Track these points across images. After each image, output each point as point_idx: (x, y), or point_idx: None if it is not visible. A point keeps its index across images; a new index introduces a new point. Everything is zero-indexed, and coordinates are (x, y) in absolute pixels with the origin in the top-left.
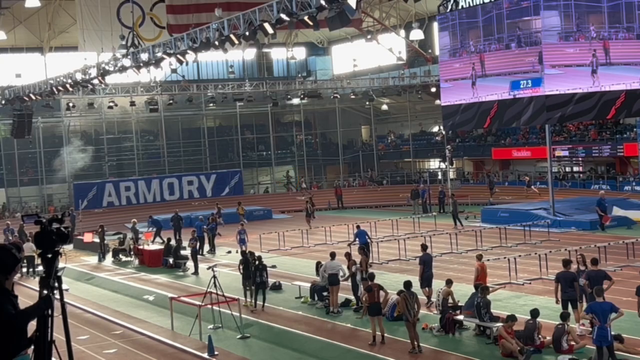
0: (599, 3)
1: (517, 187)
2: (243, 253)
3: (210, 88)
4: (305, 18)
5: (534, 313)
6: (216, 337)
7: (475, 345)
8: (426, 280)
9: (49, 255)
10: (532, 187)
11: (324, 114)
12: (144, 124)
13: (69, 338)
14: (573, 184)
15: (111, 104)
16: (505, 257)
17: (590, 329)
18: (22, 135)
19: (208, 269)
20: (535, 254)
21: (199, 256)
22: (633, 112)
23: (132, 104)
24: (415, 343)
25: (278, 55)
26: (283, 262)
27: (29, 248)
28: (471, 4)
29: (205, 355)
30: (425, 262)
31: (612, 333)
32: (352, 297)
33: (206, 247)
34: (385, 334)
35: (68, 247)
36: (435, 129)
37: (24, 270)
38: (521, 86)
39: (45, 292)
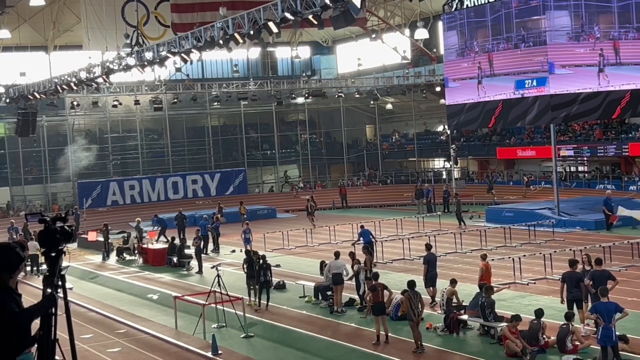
0: (609, 3)
1: (521, 187)
2: (247, 252)
3: (215, 87)
4: (310, 17)
5: (539, 313)
6: (220, 336)
7: (479, 345)
8: (430, 279)
9: (53, 254)
10: (531, 187)
11: (329, 113)
12: (148, 123)
13: (73, 337)
14: (578, 184)
15: (115, 102)
16: (509, 257)
17: (595, 329)
18: (26, 134)
19: (212, 268)
20: (540, 253)
21: (203, 255)
22: (638, 111)
23: (137, 102)
24: (419, 342)
25: (282, 54)
26: (287, 262)
27: (34, 247)
28: (476, 3)
29: (209, 354)
30: (430, 262)
31: (617, 333)
32: (356, 297)
33: (210, 246)
34: (389, 334)
35: (72, 246)
36: (440, 128)
37: (28, 269)
38: (526, 85)
39: (49, 290)
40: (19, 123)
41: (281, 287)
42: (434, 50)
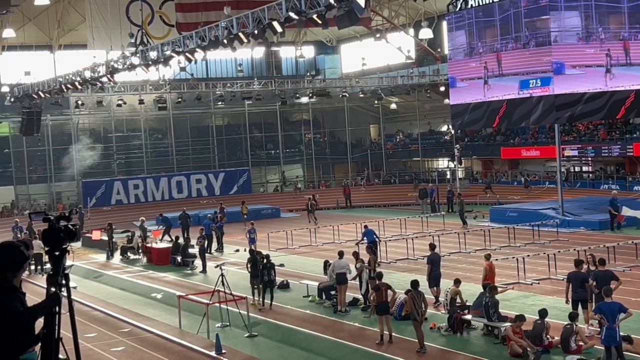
0: (619, 3)
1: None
2: (251, 251)
3: (219, 86)
4: (314, 17)
5: (543, 313)
6: (224, 336)
7: (483, 345)
8: (434, 279)
9: (57, 253)
10: (529, 187)
11: (333, 113)
12: (152, 122)
13: (76, 335)
14: (582, 184)
15: (120, 102)
16: (513, 257)
17: (599, 329)
18: (31, 133)
19: (216, 267)
20: (544, 253)
21: (207, 254)
22: None
23: (141, 102)
24: (422, 343)
25: (287, 53)
26: (291, 261)
27: (38, 245)
28: (482, 3)
29: (213, 353)
30: (433, 262)
31: (621, 333)
32: (360, 296)
33: (214, 246)
34: (393, 333)
35: (76, 245)
36: (444, 128)
37: (32, 267)
38: (530, 85)
39: (53, 289)
40: (24, 122)
41: (285, 286)
42: (439, 50)
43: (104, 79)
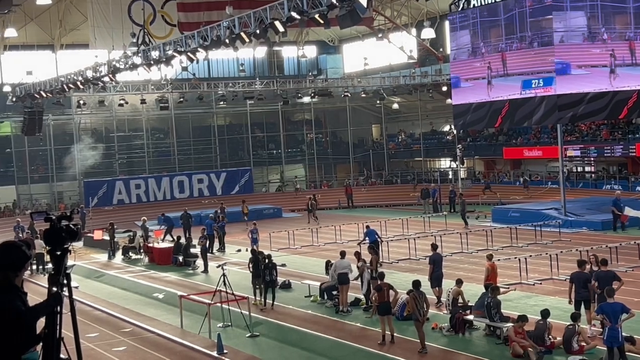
0: (624, 4)
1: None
2: (253, 251)
3: (221, 86)
4: (316, 16)
5: (545, 313)
6: (225, 336)
7: (485, 345)
8: (436, 280)
9: (58, 253)
10: (527, 188)
11: (335, 113)
12: (154, 122)
13: (78, 335)
14: (584, 184)
15: (122, 101)
16: (515, 257)
17: (601, 329)
18: (32, 133)
19: (218, 267)
20: (546, 254)
21: (208, 254)
22: None
23: (143, 101)
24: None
25: (289, 53)
26: (293, 261)
27: (40, 245)
28: (485, 2)
29: (215, 353)
30: (435, 262)
31: (623, 334)
32: (361, 297)
33: (216, 246)
34: (395, 334)
35: (78, 245)
36: (446, 128)
37: (34, 267)
38: (533, 85)
39: (54, 289)
40: (26, 122)
41: (287, 286)
42: (441, 49)
43: (106, 79)
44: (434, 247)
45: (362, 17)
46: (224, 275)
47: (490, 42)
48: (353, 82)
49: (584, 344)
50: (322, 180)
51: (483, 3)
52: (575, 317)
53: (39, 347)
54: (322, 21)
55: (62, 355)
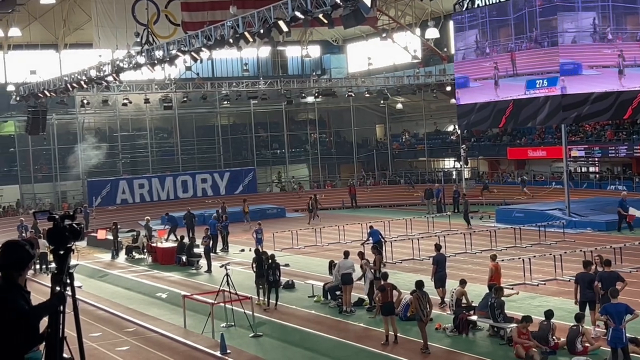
0: (635, 4)
1: (530, 187)
2: (257, 251)
3: (225, 86)
4: (320, 16)
5: (548, 314)
6: (229, 335)
7: (488, 346)
8: (440, 280)
9: (62, 252)
10: (525, 188)
11: (339, 113)
12: (158, 122)
13: (81, 335)
14: (589, 185)
15: (125, 101)
16: (519, 258)
17: (605, 330)
18: (36, 132)
19: (221, 267)
20: (550, 254)
21: (212, 254)
22: None
23: (147, 101)
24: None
25: (293, 53)
26: (296, 261)
27: (44, 245)
28: (490, 2)
29: (218, 353)
30: (439, 262)
31: (627, 335)
32: (365, 297)
33: (219, 245)
34: (398, 334)
35: (81, 244)
36: (450, 128)
37: (37, 267)
38: (537, 86)
39: (58, 288)
40: (29, 121)
41: (290, 286)
42: (445, 49)
43: (110, 78)
44: (438, 247)
45: (366, 17)
46: (227, 275)
47: (499, 41)
48: (357, 82)
49: (588, 344)
50: (325, 180)
51: (489, 2)
52: (579, 318)
53: (42, 347)
54: (326, 21)
55: (65, 355)
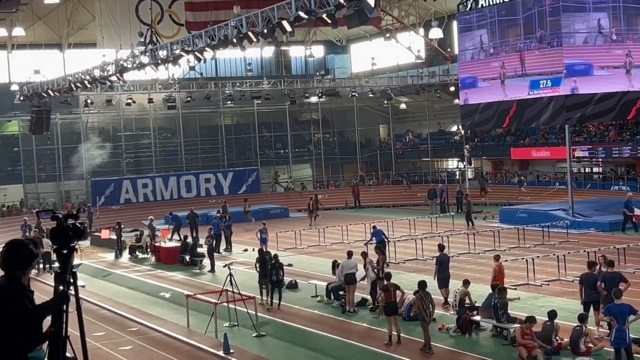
0: None
1: (534, 187)
2: (260, 251)
3: (228, 86)
4: (324, 16)
5: (552, 314)
6: (232, 335)
7: (492, 346)
8: (443, 280)
9: (65, 251)
10: (522, 188)
11: (342, 113)
12: (161, 121)
13: (84, 334)
14: (592, 185)
15: (129, 100)
16: (523, 258)
17: (608, 331)
18: (40, 132)
19: (224, 266)
20: (554, 255)
21: (215, 254)
22: None
23: (150, 101)
24: (429, 343)
25: (296, 53)
26: (299, 261)
27: (47, 244)
28: (496, 2)
29: (221, 353)
30: (442, 262)
31: (631, 335)
32: (368, 297)
33: (222, 245)
34: (402, 334)
35: (84, 244)
36: (454, 128)
37: (41, 266)
38: (540, 86)
39: (61, 287)
40: (33, 121)
41: (293, 286)
42: (449, 49)
43: (114, 78)
44: (441, 247)
45: (370, 17)
46: (230, 274)
47: (508, 41)
48: (360, 82)
49: (592, 345)
50: (329, 180)
51: (494, 2)
52: (582, 318)
53: (45, 346)
54: (329, 21)
55: (68, 354)
